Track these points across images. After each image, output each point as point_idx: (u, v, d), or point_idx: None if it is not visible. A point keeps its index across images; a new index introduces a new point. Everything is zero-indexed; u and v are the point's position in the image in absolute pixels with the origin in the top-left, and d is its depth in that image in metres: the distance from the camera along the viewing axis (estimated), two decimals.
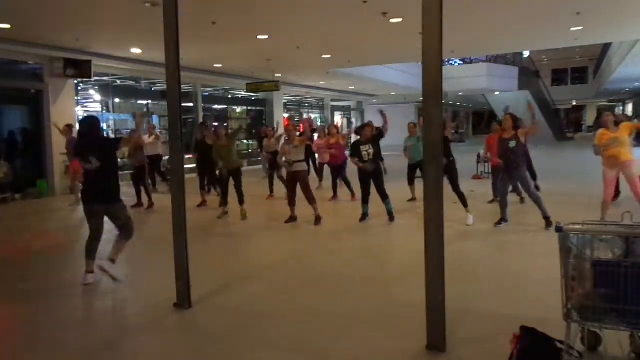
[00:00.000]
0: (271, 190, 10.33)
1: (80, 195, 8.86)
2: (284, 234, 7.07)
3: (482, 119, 44.24)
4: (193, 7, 7.45)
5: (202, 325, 3.83)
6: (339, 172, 9.81)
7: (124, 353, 3.38)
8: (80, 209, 9.42)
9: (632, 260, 2.53)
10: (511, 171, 6.67)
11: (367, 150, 7.18)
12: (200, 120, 15.86)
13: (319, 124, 23.45)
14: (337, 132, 10.11)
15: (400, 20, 9.15)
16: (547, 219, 6.54)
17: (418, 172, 9.48)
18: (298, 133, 8.42)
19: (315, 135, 11.90)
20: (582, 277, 2.66)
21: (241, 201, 8.04)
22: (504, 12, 9.14)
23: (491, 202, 8.84)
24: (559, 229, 2.67)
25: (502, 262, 5.36)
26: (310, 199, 7.39)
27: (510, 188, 7.25)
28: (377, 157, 7.33)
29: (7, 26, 8.83)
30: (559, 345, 2.78)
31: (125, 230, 4.94)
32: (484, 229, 6.86)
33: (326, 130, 10.87)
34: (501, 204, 6.93)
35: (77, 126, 11.54)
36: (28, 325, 3.90)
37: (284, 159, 7.45)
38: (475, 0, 8.20)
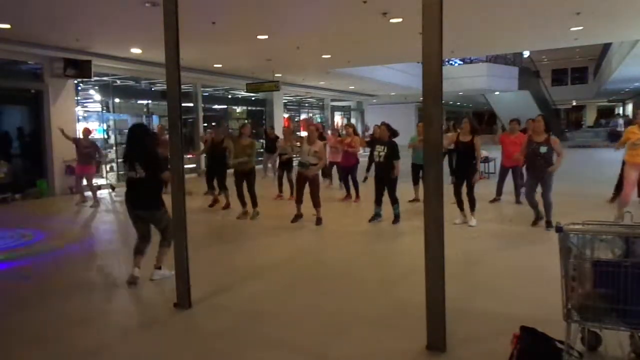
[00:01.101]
0: (280, 190, 10.30)
1: (83, 195, 8.90)
2: (284, 234, 7.07)
3: (482, 119, 44.26)
4: (193, 7, 7.45)
5: (202, 325, 3.83)
6: (348, 172, 9.74)
7: (124, 353, 3.38)
8: (82, 209, 9.53)
9: (632, 260, 2.54)
10: (538, 174, 6.50)
11: (379, 152, 7.15)
12: (201, 119, 15.91)
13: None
14: (354, 132, 10.02)
15: (400, 20, 9.15)
16: (548, 222, 6.51)
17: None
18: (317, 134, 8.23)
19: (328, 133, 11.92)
20: (582, 277, 2.66)
21: (254, 203, 8.03)
22: (504, 12, 9.13)
23: (492, 201, 8.83)
24: (559, 229, 2.67)
25: (502, 262, 5.36)
26: (317, 203, 7.42)
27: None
28: (391, 160, 7.06)
29: (7, 26, 8.83)
30: (559, 345, 2.79)
31: (165, 235, 4.88)
32: (484, 228, 6.85)
33: (342, 131, 10.80)
34: (531, 204, 6.70)
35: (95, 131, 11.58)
36: (28, 324, 3.90)
37: (303, 158, 7.43)
38: (475, 0, 8.20)
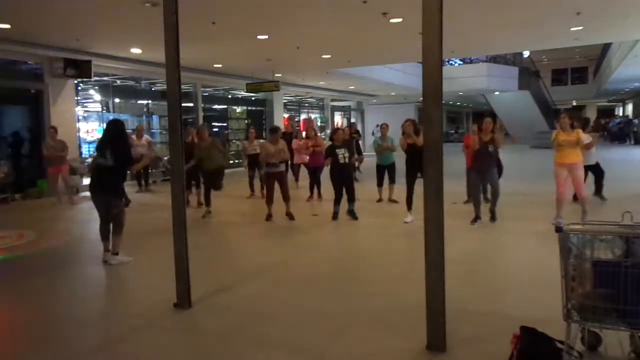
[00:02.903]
0: (252, 190, 10.46)
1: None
2: (283, 234, 7.07)
3: (481, 119, 44.19)
4: (193, 7, 7.45)
5: (202, 325, 3.83)
6: (315, 173, 9.85)
7: (124, 353, 3.38)
8: (75, 208, 9.51)
9: (632, 260, 2.53)
10: (484, 172, 6.96)
11: (342, 154, 7.57)
12: (201, 119, 15.89)
13: (319, 124, 23.54)
14: (315, 135, 10.26)
15: (400, 20, 9.15)
16: (492, 212, 7.02)
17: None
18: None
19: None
20: (582, 277, 2.65)
21: (207, 202, 8.21)
22: (504, 12, 9.13)
23: (466, 202, 8.74)
24: (559, 229, 2.67)
25: (502, 262, 5.36)
26: (287, 197, 7.69)
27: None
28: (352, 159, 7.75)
29: (7, 26, 8.83)
30: (559, 345, 2.78)
31: (116, 223, 5.44)
32: (483, 229, 6.85)
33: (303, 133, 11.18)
34: (476, 202, 7.15)
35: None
36: (28, 325, 3.90)
37: (270, 160, 7.62)
38: (475, 0, 8.20)
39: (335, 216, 7.67)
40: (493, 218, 7.03)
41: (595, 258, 2.62)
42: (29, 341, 3.60)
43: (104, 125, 5.72)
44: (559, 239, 2.69)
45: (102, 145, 5.40)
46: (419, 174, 7.07)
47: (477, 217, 7.02)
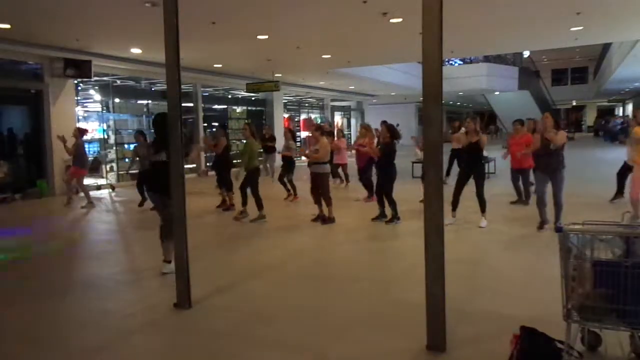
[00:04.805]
0: (293, 191, 10.12)
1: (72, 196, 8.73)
2: (283, 234, 7.06)
3: (481, 119, 44.25)
4: (193, 7, 7.45)
5: (202, 325, 3.82)
6: (363, 172, 9.60)
7: (124, 353, 3.38)
8: (85, 210, 9.51)
9: (632, 260, 2.53)
10: (549, 172, 6.32)
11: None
12: (201, 119, 15.90)
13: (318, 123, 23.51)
14: (367, 132, 9.74)
15: (400, 20, 9.15)
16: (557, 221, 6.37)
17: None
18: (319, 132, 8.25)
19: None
20: (582, 277, 2.65)
21: (259, 206, 7.89)
22: (504, 12, 9.13)
23: (514, 202, 8.63)
24: (559, 229, 2.67)
25: (502, 262, 5.36)
26: (326, 200, 7.51)
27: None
28: (387, 159, 7.34)
29: (7, 26, 8.83)
30: (559, 345, 2.78)
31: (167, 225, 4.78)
32: (484, 229, 6.85)
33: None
34: (540, 204, 6.55)
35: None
36: (28, 324, 3.90)
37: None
38: (475, 0, 8.20)
39: (377, 217, 7.53)
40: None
41: (595, 258, 2.63)
42: (28, 341, 3.59)
43: (157, 118, 4.97)
44: (559, 239, 2.69)
45: (162, 141, 4.72)
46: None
47: (544, 222, 6.52)
